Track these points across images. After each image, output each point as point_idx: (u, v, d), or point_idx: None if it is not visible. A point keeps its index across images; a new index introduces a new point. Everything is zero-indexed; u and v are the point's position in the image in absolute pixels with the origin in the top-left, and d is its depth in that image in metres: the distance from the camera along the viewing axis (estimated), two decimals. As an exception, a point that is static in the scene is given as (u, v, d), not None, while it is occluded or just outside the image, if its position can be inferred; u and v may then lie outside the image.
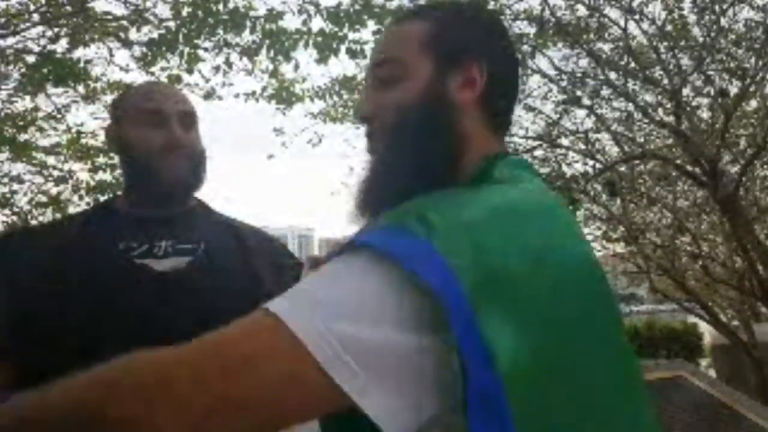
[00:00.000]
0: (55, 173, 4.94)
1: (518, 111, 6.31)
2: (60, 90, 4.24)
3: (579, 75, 5.89)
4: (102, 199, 4.41)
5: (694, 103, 5.91)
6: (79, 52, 3.84)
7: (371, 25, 3.57)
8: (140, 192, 1.19)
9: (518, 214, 0.64)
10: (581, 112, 6.21)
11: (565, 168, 6.46)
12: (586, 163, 6.26)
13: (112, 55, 4.08)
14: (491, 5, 4.95)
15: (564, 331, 0.58)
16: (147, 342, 1.02)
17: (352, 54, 3.54)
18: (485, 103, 0.79)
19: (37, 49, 3.78)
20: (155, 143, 1.15)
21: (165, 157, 1.14)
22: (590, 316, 0.62)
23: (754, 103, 5.86)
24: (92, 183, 4.78)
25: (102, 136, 4.61)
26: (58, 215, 4.93)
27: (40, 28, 3.76)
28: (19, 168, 4.92)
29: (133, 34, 3.84)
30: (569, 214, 0.75)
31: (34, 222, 4.90)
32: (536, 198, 0.70)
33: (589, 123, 6.33)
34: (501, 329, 0.52)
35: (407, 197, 0.69)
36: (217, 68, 3.98)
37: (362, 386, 0.50)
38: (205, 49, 3.81)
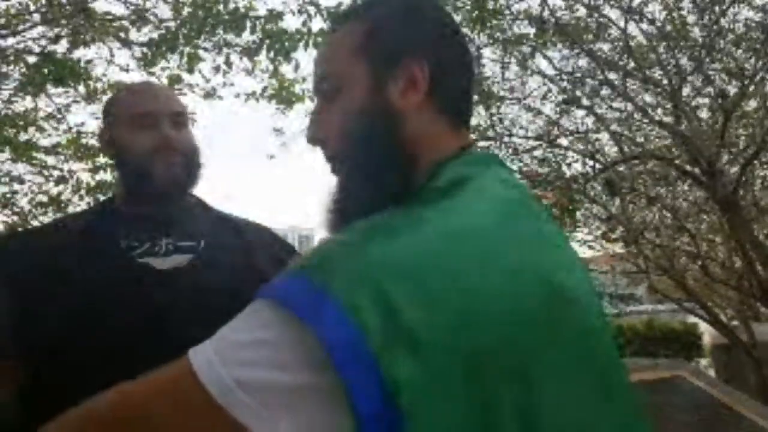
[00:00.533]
0: (56, 173, 4.94)
1: (518, 111, 6.34)
2: (60, 90, 4.25)
3: (578, 75, 5.89)
4: (102, 199, 4.41)
5: (693, 104, 5.92)
6: (80, 53, 3.86)
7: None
8: (136, 193, 1.20)
9: (434, 246, 0.60)
10: (581, 112, 6.23)
11: (564, 168, 6.47)
12: (585, 163, 6.27)
13: (112, 56, 4.08)
14: (491, 5, 4.96)
15: (479, 362, 0.56)
16: (150, 341, 1.02)
17: (352, 54, 3.55)
18: (435, 100, 0.74)
19: (37, 49, 3.78)
20: (147, 145, 1.15)
21: (158, 158, 1.15)
22: (528, 343, 0.59)
23: (753, 104, 5.86)
24: (92, 183, 4.79)
25: (102, 136, 4.61)
26: (59, 215, 4.93)
27: (40, 29, 3.77)
28: (19, 168, 4.93)
29: (133, 35, 3.85)
30: (521, 220, 0.69)
31: (35, 222, 4.91)
32: (468, 215, 0.64)
33: (589, 123, 6.34)
34: (403, 366, 0.52)
35: (370, 214, 0.68)
36: (217, 68, 3.99)
37: (266, 422, 0.54)
38: (205, 49, 3.82)
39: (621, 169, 6.28)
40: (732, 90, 5.38)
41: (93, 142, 4.64)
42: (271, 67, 4.02)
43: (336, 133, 0.75)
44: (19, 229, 4.22)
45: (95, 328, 1.03)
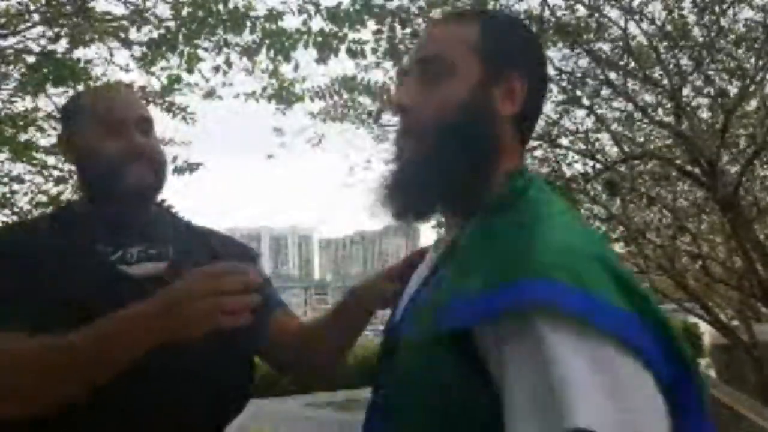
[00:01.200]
0: (56, 173, 4.93)
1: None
2: (60, 90, 4.24)
3: (579, 75, 5.89)
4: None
5: (693, 103, 5.92)
6: (80, 52, 3.84)
7: (371, 25, 3.57)
8: (104, 199, 1.19)
9: (597, 247, 0.68)
10: (581, 112, 6.22)
11: (565, 168, 6.46)
12: (586, 163, 6.27)
13: (112, 55, 4.07)
14: (491, 5, 4.95)
15: None
16: None
17: (352, 54, 3.54)
18: (520, 117, 0.80)
19: (37, 49, 3.77)
20: (116, 151, 1.14)
21: (128, 166, 1.15)
22: None
23: (753, 103, 5.86)
24: (92, 183, 4.78)
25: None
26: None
27: (40, 29, 3.76)
28: (19, 168, 4.92)
29: (133, 34, 3.84)
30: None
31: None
32: (571, 221, 0.74)
33: (589, 123, 6.33)
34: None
35: (439, 199, 0.78)
36: (217, 68, 3.97)
37: None
38: (205, 49, 3.81)
39: (621, 169, 6.27)
40: (732, 90, 5.38)
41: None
42: (270, 67, 4.01)
43: (430, 111, 0.78)
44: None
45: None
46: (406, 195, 0.79)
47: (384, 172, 0.81)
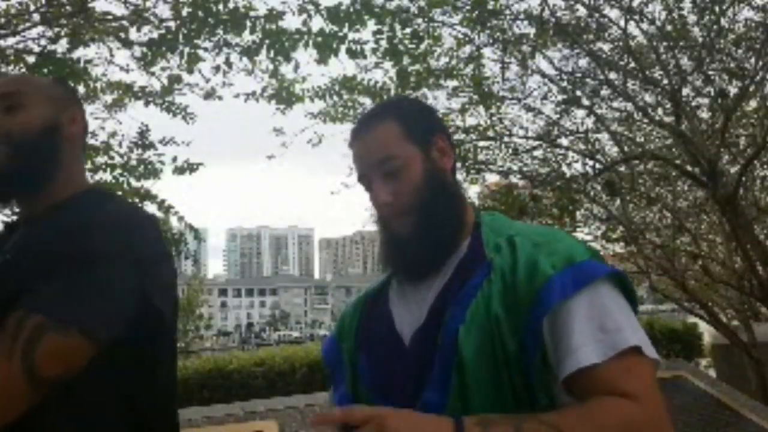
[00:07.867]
0: (55, 173, 4.93)
1: (518, 111, 6.33)
2: (60, 90, 4.23)
3: (579, 75, 5.89)
4: None
5: (693, 104, 5.91)
6: (80, 52, 3.85)
7: (371, 24, 3.57)
8: None
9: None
10: (581, 112, 6.22)
11: (564, 168, 6.46)
12: (585, 163, 6.26)
13: (112, 55, 4.08)
14: (491, 5, 4.95)
15: None
16: None
17: (352, 54, 3.55)
18: (455, 165, 1.08)
19: (37, 49, 3.78)
20: None
21: None
22: None
23: (753, 104, 5.86)
24: (92, 183, 4.77)
25: (102, 136, 4.60)
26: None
27: (40, 28, 3.76)
28: (19, 168, 4.91)
29: (133, 34, 3.84)
30: None
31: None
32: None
33: (589, 123, 6.34)
34: None
35: (445, 248, 0.99)
36: (217, 68, 3.98)
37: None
38: (205, 49, 3.81)
39: (621, 169, 6.27)
40: (732, 90, 5.38)
41: (92, 141, 4.63)
42: (270, 67, 4.01)
43: (406, 197, 1.00)
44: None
45: None
46: (419, 255, 0.99)
47: (385, 245, 1.04)
